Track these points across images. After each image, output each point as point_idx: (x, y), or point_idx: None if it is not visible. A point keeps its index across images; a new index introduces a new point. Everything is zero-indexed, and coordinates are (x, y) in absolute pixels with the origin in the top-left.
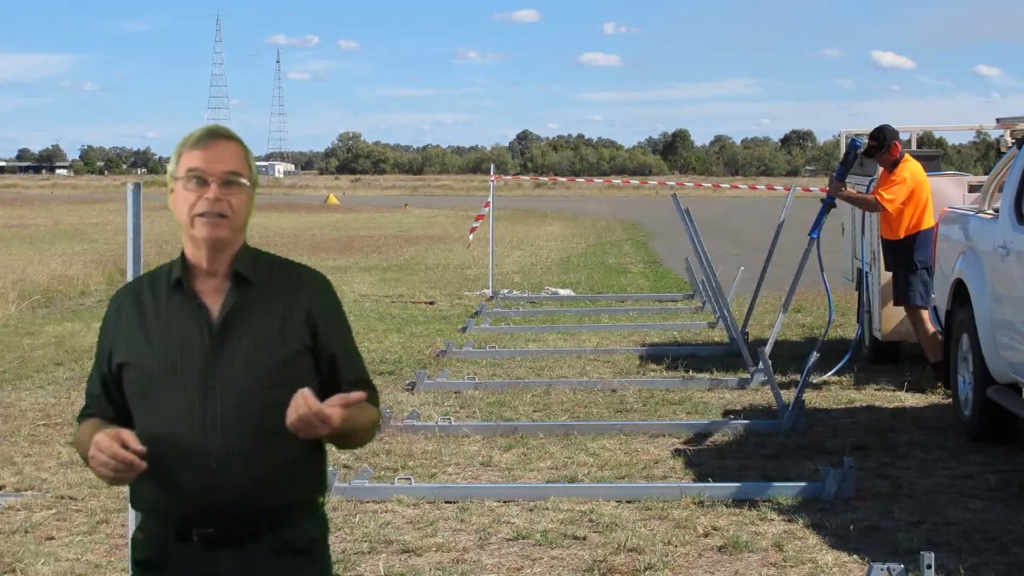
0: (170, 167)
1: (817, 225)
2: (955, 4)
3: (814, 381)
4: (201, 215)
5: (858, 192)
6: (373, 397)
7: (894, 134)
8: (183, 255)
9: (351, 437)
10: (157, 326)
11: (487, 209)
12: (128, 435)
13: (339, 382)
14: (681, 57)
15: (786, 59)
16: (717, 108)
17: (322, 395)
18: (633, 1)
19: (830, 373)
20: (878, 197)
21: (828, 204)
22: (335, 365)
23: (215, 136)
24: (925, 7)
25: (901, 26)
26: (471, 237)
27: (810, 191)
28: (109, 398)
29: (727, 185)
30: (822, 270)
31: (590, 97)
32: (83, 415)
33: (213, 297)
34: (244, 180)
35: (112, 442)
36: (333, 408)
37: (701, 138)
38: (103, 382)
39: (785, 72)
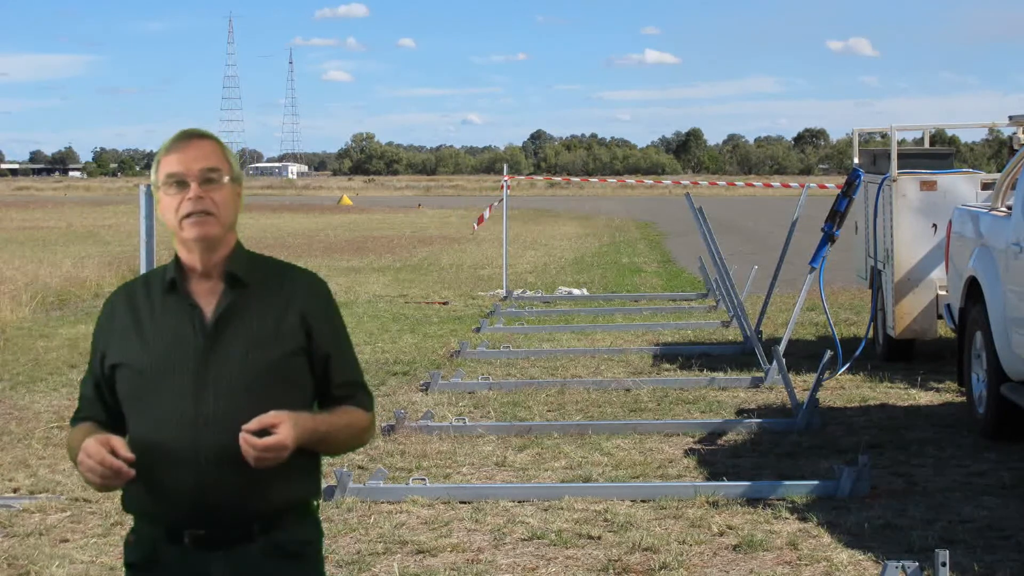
0: (152, 177)
1: (818, 255)
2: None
3: (827, 377)
4: (187, 216)
5: None
6: (364, 400)
7: None
8: (176, 257)
9: (333, 444)
10: (151, 327)
11: (488, 212)
12: (117, 441)
13: (332, 384)
14: (705, 56)
15: (808, 56)
16: (737, 107)
17: (317, 396)
18: (661, 4)
19: (840, 371)
20: None
21: (829, 235)
22: (328, 366)
23: (188, 137)
24: (953, 5)
25: (927, 23)
26: (476, 227)
27: (826, 187)
28: (102, 400)
29: (742, 183)
30: (824, 301)
31: (607, 96)
32: (76, 418)
33: (207, 298)
34: (224, 176)
35: (100, 448)
36: (275, 437)
37: (715, 136)
38: (95, 384)
39: (807, 70)
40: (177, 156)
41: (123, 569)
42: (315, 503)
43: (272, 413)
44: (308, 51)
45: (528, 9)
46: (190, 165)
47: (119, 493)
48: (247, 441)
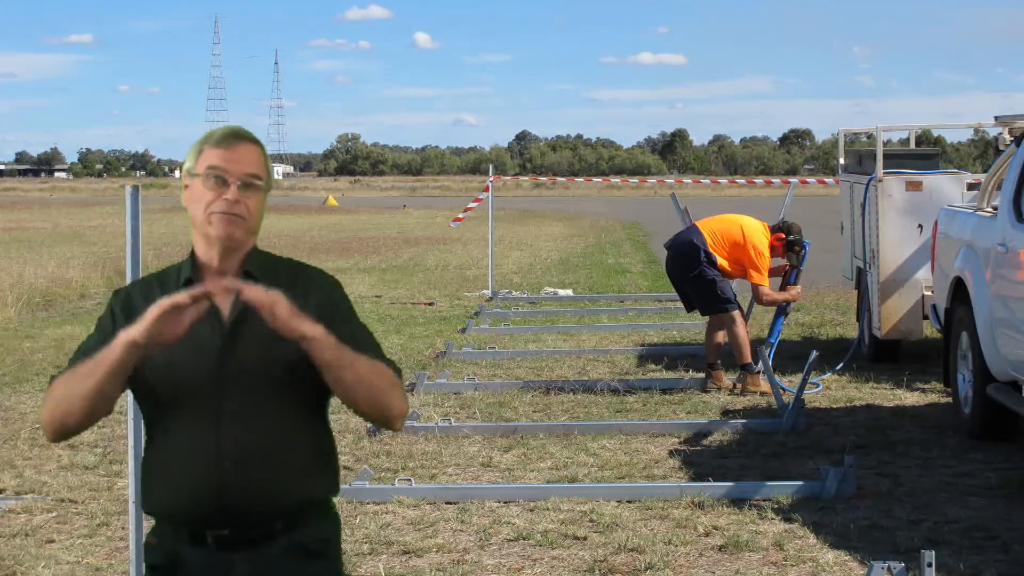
0: (187, 164)
1: (773, 331)
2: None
3: (814, 380)
4: (218, 213)
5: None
6: (392, 366)
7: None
8: (193, 255)
9: (358, 383)
10: None
11: (476, 204)
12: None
13: None
14: (699, 57)
15: (804, 57)
16: (730, 107)
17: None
18: (661, 5)
19: (828, 374)
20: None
21: (783, 308)
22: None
23: (238, 138)
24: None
25: (916, 23)
26: (454, 225)
27: (807, 183)
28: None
29: (725, 181)
30: (771, 375)
31: (598, 97)
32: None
33: (223, 297)
34: (261, 183)
35: (164, 300)
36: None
37: (703, 137)
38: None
39: (801, 70)
40: (224, 153)
41: (107, 570)
42: (333, 499)
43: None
44: (296, 51)
45: (533, 9)
46: (236, 166)
47: (120, 495)
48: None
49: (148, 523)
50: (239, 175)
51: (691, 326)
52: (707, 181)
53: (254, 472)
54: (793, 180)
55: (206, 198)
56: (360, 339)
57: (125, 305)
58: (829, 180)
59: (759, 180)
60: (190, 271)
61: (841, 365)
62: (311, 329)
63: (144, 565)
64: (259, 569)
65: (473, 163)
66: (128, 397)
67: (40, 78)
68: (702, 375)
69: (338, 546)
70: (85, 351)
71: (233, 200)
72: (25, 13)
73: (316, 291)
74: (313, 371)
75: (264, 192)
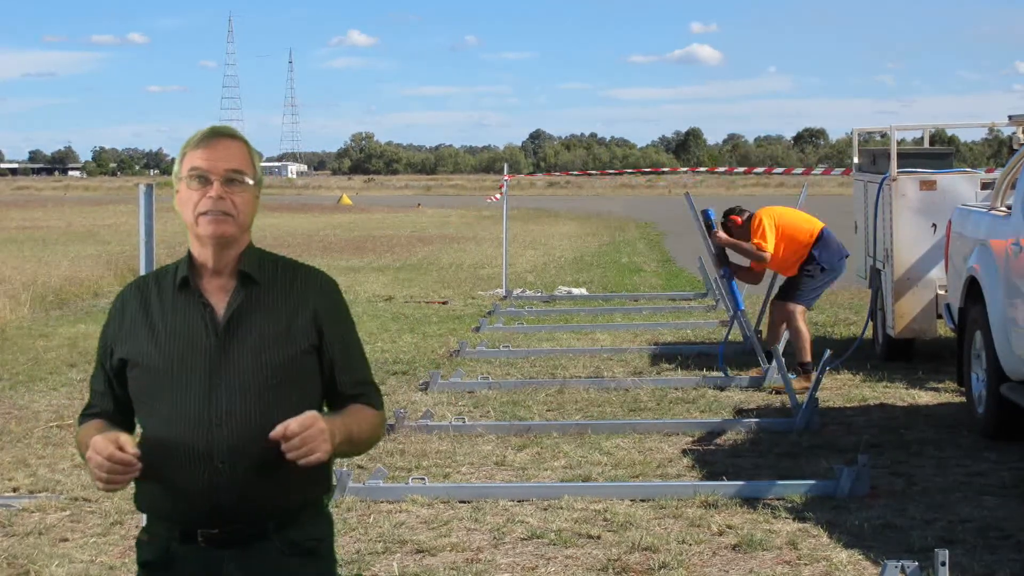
0: (175, 168)
1: (734, 297)
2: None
3: (834, 362)
4: (205, 213)
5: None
6: (375, 399)
7: (729, 211)
8: (189, 254)
9: (356, 447)
10: (163, 325)
11: (498, 199)
12: (125, 438)
13: (343, 383)
14: (720, 56)
15: (823, 55)
16: (747, 106)
17: (326, 395)
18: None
19: (838, 362)
20: (759, 245)
21: (728, 275)
22: (340, 365)
23: (218, 135)
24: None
25: (934, 21)
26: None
27: (830, 173)
28: (112, 395)
29: (742, 170)
30: (785, 374)
31: (611, 95)
32: (85, 414)
33: (219, 296)
34: (247, 178)
35: (108, 444)
36: (316, 456)
37: (716, 136)
38: (106, 379)
39: (822, 68)
40: (204, 152)
41: (120, 568)
42: (327, 499)
43: (309, 419)
44: (311, 50)
45: (554, 6)
46: (216, 164)
47: (125, 493)
48: (287, 427)
49: None
50: (221, 172)
51: (705, 325)
52: (722, 169)
53: (246, 473)
54: (806, 188)
55: (192, 199)
56: (352, 350)
57: (121, 307)
58: (836, 171)
59: (779, 169)
60: (186, 271)
61: (840, 361)
62: (327, 453)
63: (137, 562)
64: (251, 567)
65: (487, 162)
66: None
67: (78, 74)
68: (716, 374)
69: (331, 545)
70: (95, 386)
71: (217, 197)
72: (32, 10)
73: (315, 293)
74: (307, 373)
75: (251, 187)
